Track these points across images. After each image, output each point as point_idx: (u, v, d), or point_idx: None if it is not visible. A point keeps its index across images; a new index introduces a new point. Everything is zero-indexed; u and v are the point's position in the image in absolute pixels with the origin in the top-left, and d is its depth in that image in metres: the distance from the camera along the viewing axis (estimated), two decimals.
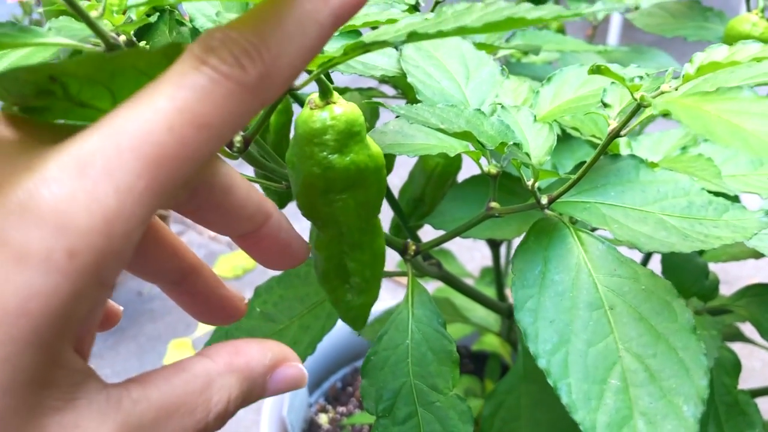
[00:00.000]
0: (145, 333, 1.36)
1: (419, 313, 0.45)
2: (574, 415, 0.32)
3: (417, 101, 0.45)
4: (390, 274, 0.54)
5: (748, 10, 0.66)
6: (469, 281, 1.02)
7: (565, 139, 0.61)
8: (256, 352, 0.27)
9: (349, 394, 1.08)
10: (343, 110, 0.31)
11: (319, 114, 0.31)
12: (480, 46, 0.52)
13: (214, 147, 0.21)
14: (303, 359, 0.55)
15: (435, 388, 0.43)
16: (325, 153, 0.31)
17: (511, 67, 0.76)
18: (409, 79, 0.46)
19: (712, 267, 0.63)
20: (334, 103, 0.31)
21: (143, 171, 0.19)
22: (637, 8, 0.80)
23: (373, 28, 0.41)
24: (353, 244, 0.35)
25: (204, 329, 1.44)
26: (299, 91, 0.50)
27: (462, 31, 0.28)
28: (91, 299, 0.20)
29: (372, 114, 0.59)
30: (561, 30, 0.91)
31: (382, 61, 0.49)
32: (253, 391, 0.27)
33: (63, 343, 0.20)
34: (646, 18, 0.69)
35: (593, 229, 0.51)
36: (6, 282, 0.18)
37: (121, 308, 0.32)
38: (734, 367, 0.56)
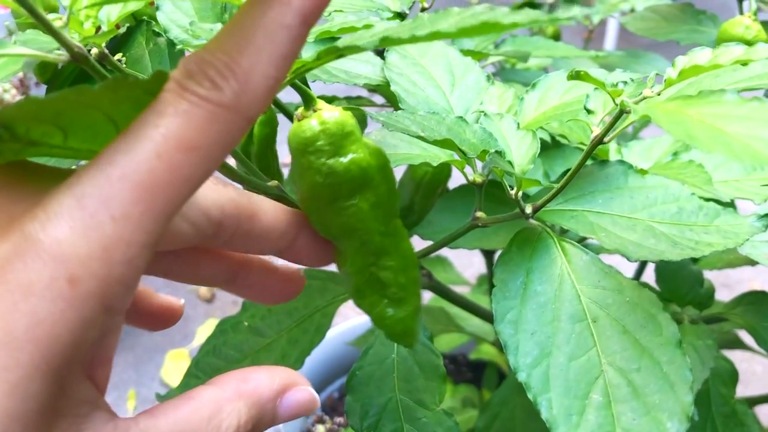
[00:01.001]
0: (142, 344, 1.35)
1: None
2: (555, 431, 0.31)
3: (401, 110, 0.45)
4: None
5: (741, 12, 0.65)
6: (466, 289, 1.01)
7: (557, 146, 0.60)
8: (263, 378, 0.27)
9: None
10: (331, 113, 0.30)
11: (308, 123, 0.30)
12: (467, 53, 0.52)
13: (207, 168, 0.21)
14: None
15: (422, 403, 0.42)
16: (322, 159, 0.30)
17: (506, 73, 0.75)
18: (393, 87, 0.45)
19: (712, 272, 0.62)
20: (320, 109, 0.30)
21: (138, 198, 0.20)
22: (632, 11, 0.79)
23: None
24: (378, 252, 0.33)
25: (201, 339, 1.43)
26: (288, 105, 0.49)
27: (436, 36, 0.27)
28: (98, 326, 0.21)
29: (360, 123, 0.59)
30: (557, 35, 0.90)
31: (366, 70, 0.48)
32: (264, 416, 0.27)
33: (72, 371, 0.21)
34: (639, 22, 0.69)
35: (582, 239, 0.50)
36: (14, 311, 0.19)
37: (182, 301, 0.33)
38: (731, 376, 0.55)
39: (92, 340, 0.21)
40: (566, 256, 0.36)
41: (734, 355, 0.60)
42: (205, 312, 1.46)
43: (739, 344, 0.75)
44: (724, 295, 0.63)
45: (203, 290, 1.49)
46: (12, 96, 1.67)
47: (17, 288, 0.19)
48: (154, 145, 0.20)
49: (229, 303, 1.48)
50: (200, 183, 0.22)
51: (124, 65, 0.41)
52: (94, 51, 0.36)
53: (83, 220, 0.20)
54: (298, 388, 0.28)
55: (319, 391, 1.06)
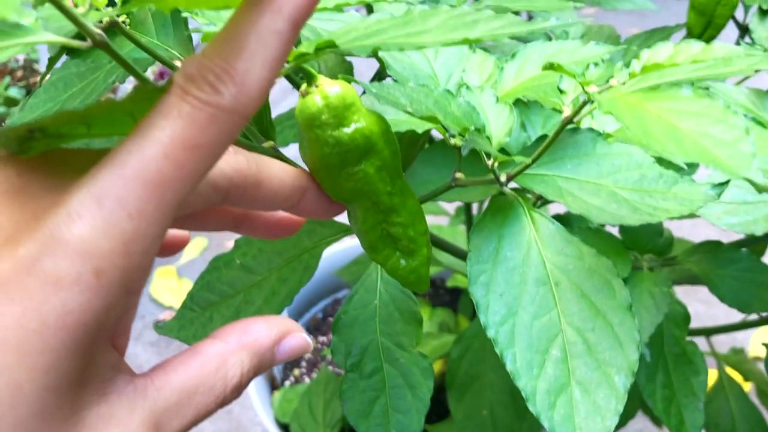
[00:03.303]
0: None
1: (387, 275, 0.48)
2: (517, 381, 0.35)
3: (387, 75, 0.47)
4: None
5: None
6: (444, 219, 1.06)
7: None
8: (262, 329, 0.30)
9: (330, 324, 1.12)
10: (332, 88, 0.32)
11: (312, 99, 0.32)
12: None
13: (209, 163, 0.24)
14: (281, 310, 0.58)
15: (400, 345, 0.46)
16: (328, 131, 0.32)
17: None
18: (380, 53, 0.47)
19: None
20: (322, 85, 0.33)
21: (149, 196, 0.22)
22: None
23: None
24: (387, 210, 0.36)
25: (188, 257, 1.48)
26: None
27: (421, 47, 0.30)
28: (120, 307, 0.23)
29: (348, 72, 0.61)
30: None
31: None
32: (264, 362, 0.30)
33: (98, 346, 0.24)
34: None
35: (546, 202, 0.54)
36: (45, 303, 0.21)
37: (188, 233, 0.35)
38: (684, 319, 0.60)
39: (115, 319, 0.24)
40: (534, 225, 0.39)
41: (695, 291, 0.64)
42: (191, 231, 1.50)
43: (698, 280, 0.80)
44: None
45: None
46: None
47: (48, 282, 0.22)
48: (161, 146, 0.22)
49: None
50: (203, 175, 0.24)
51: (127, 27, 0.43)
52: (105, 19, 0.38)
53: (103, 219, 0.22)
54: (293, 334, 0.31)
55: (303, 312, 1.12)
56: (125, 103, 0.24)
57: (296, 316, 1.10)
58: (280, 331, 0.31)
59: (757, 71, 0.37)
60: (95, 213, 0.22)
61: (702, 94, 0.33)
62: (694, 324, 0.65)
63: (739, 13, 0.76)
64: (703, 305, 1.42)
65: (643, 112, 0.32)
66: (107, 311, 0.23)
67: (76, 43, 0.32)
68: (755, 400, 0.96)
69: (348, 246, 1.06)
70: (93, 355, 0.24)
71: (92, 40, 0.32)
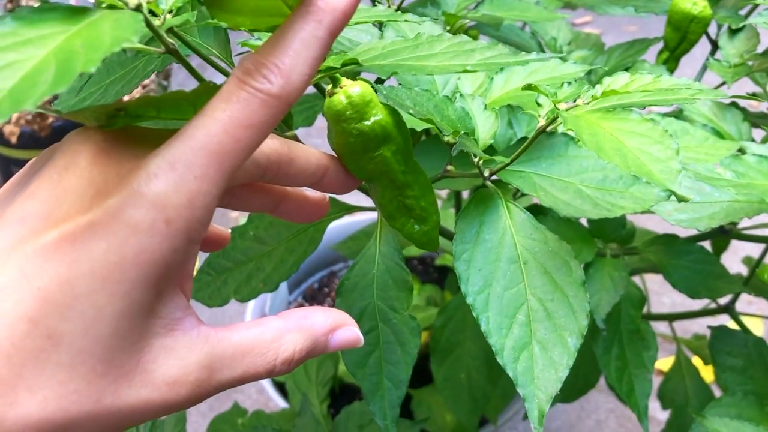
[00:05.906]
0: None
1: (384, 249, 0.56)
2: (489, 339, 0.43)
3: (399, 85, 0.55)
4: (363, 209, 0.65)
5: None
6: (438, 202, 1.13)
7: None
8: (320, 317, 0.34)
9: (325, 294, 1.21)
10: (353, 88, 0.39)
11: (337, 98, 0.39)
12: (448, 15, 0.62)
13: (259, 140, 0.29)
14: (288, 276, 0.66)
15: (393, 308, 0.54)
16: (352, 124, 0.38)
17: (482, 28, 0.85)
18: None
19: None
20: (345, 86, 0.39)
21: (212, 162, 0.27)
22: None
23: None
24: (402, 185, 0.42)
25: None
26: None
27: (428, 72, 0.38)
28: (184, 252, 0.28)
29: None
30: None
31: (366, 39, 0.58)
32: (317, 346, 0.34)
33: (166, 285, 0.28)
34: None
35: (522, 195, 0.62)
36: (125, 242, 0.26)
37: (229, 231, 0.41)
38: (639, 300, 0.69)
39: (180, 262, 0.28)
40: (510, 214, 0.47)
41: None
42: None
43: (656, 268, 0.89)
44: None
45: None
46: None
47: (128, 227, 0.26)
48: (222, 124, 0.27)
49: None
50: (254, 149, 0.29)
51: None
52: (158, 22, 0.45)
53: (174, 179, 0.27)
54: (347, 327, 0.35)
55: (301, 282, 1.20)
56: (190, 94, 0.32)
57: (295, 286, 1.19)
58: (335, 322, 0.35)
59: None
60: (169, 174, 0.27)
61: (647, 118, 0.41)
62: (670, 311, 0.72)
63: (712, 30, 0.84)
64: (679, 296, 1.51)
65: (598, 129, 0.40)
66: (173, 254, 0.27)
67: (152, 49, 0.40)
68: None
69: (345, 223, 1.15)
70: (162, 292, 0.28)
71: (165, 47, 0.39)
